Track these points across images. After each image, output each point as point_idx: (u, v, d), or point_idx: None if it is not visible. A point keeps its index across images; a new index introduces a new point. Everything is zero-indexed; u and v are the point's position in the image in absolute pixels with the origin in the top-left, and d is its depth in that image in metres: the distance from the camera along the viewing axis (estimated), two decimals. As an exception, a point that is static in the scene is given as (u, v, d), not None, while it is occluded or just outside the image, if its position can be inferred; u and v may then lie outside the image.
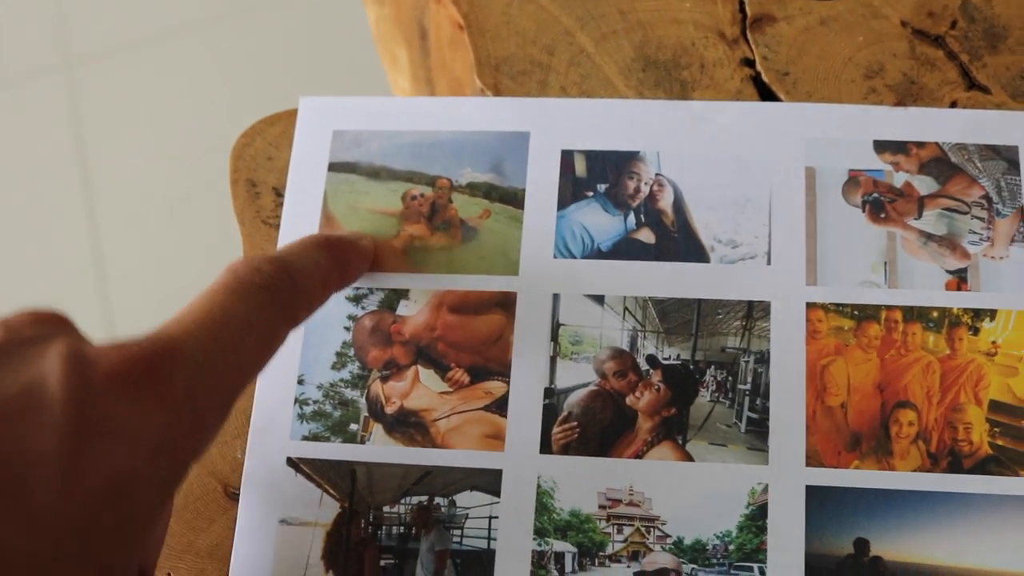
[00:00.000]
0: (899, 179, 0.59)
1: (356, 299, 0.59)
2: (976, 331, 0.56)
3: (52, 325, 0.41)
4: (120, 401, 0.38)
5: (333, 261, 0.53)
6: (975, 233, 0.57)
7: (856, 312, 0.57)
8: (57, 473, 0.36)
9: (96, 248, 1.21)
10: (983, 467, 0.54)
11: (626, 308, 0.58)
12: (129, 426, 0.38)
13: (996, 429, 0.54)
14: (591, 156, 0.60)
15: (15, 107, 1.28)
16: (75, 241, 1.23)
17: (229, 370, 0.43)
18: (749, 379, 0.56)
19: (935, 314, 0.56)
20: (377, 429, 0.57)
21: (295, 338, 0.59)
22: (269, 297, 0.46)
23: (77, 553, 0.36)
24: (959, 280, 0.57)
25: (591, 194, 0.60)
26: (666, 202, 0.59)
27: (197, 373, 0.41)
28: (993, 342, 0.56)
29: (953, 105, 0.60)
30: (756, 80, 0.62)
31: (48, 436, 0.36)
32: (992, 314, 0.56)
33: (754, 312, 0.57)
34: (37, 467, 0.36)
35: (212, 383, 0.42)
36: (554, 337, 0.58)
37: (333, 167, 0.62)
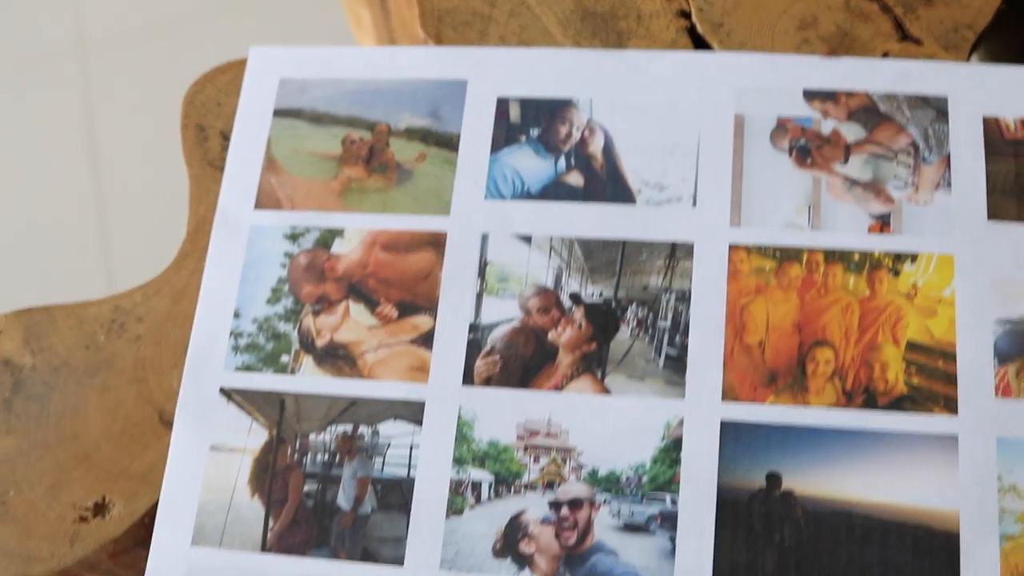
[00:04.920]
0: (827, 126, 0.59)
1: (293, 237, 0.61)
2: (897, 273, 0.56)
3: None
4: None
5: None
6: (900, 179, 0.58)
7: (778, 253, 0.57)
8: None
9: (105, 243, 1.25)
10: (898, 405, 0.54)
11: (552, 248, 0.59)
12: None
13: (912, 368, 0.55)
14: (525, 103, 0.62)
15: (29, 91, 1.32)
16: (85, 228, 1.26)
17: None
18: (669, 316, 0.57)
19: (857, 256, 0.57)
20: (307, 361, 0.59)
21: (232, 274, 0.61)
22: None
23: None
24: (882, 224, 0.57)
25: (524, 139, 0.61)
26: (596, 147, 0.60)
27: None
28: (913, 284, 0.56)
29: (885, 56, 0.61)
30: (691, 31, 0.63)
31: None
32: (913, 257, 0.56)
33: (677, 253, 0.58)
34: None
35: None
36: (481, 275, 0.59)
37: (278, 113, 0.64)
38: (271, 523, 0.56)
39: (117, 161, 1.27)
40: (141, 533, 0.59)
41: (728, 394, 0.55)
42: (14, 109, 1.34)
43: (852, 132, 0.59)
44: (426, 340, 0.58)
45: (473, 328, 0.58)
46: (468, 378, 0.57)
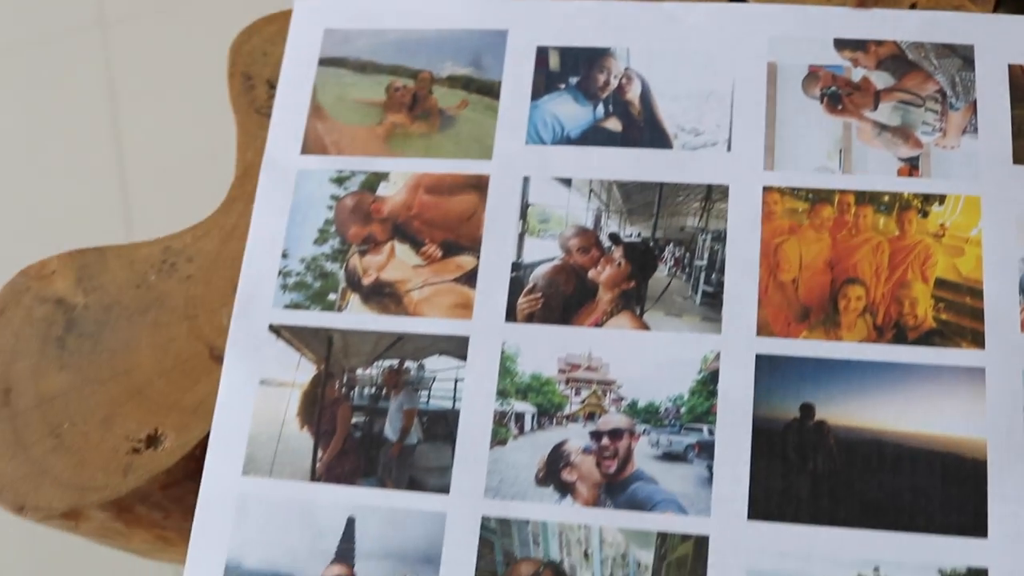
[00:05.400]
0: (857, 74, 0.61)
1: (339, 180, 0.63)
2: (925, 214, 0.58)
3: None
4: None
5: None
6: (928, 124, 0.60)
7: (810, 195, 0.59)
8: None
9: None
10: (927, 339, 0.56)
11: (592, 190, 0.61)
12: None
13: (941, 304, 0.57)
14: (565, 52, 0.64)
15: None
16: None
17: None
18: (706, 256, 0.59)
19: (886, 198, 0.59)
20: (354, 299, 0.61)
21: (280, 216, 0.63)
22: None
23: None
24: (911, 167, 0.59)
25: (563, 86, 0.63)
26: (633, 94, 0.62)
27: None
28: (941, 224, 0.58)
29: (912, 7, 0.63)
30: (725, -16, 0.65)
31: None
32: (941, 199, 0.58)
33: (713, 195, 0.60)
34: None
35: None
36: (523, 216, 0.61)
37: (323, 62, 0.66)
38: (320, 453, 0.58)
39: (160, 116, 1.28)
40: (192, 466, 0.61)
41: (763, 329, 0.57)
42: (57, 55, 1.34)
43: (881, 80, 0.61)
44: (469, 278, 0.60)
45: (515, 267, 0.60)
46: (511, 315, 0.59)
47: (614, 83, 0.63)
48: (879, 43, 0.61)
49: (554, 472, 0.57)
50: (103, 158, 1.27)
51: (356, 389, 0.59)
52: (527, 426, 0.58)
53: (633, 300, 0.59)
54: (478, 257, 0.60)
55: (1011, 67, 0.60)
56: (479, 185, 0.62)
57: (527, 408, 0.58)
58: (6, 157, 1.29)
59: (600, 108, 0.62)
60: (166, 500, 0.62)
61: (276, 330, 0.61)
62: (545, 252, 0.60)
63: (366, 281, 0.61)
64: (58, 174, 1.27)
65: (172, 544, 0.69)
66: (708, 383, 0.57)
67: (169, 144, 1.23)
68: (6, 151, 1.30)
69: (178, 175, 1.18)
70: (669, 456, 0.56)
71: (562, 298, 0.59)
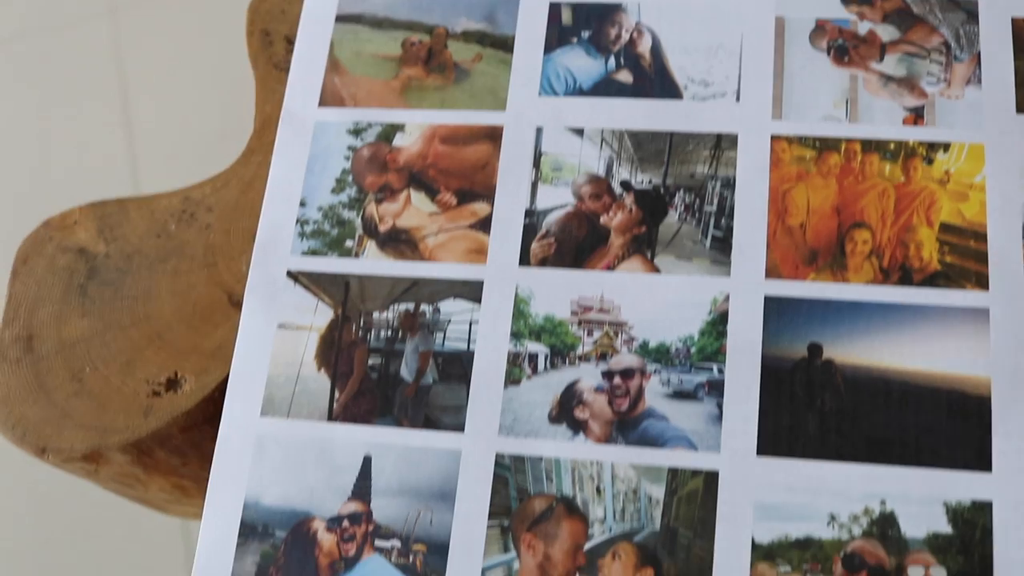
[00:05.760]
0: (863, 28, 0.63)
1: (356, 132, 0.64)
2: (930, 161, 0.60)
3: None
4: None
5: None
6: (932, 75, 0.61)
7: (818, 143, 0.61)
8: None
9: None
10: (932, 281, 0.57)
11: (603, 139, 0.62)
12: None
13: (946, 247, 0.58)
14: (577, 7, 0.65)
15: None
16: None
17: None
18: (715, 201, 0.60)
19: (892, 146, 0.60)
20: (370, 245, 0.62)
21: (298, 166, 0.64)
22: None
23: None
24: (916, 116, 0.61)
25: (575, 40, 0.64)
26: (644, 47, 0.64)
27: None
28: (946, 171, 0.59)
29: (917, -36, 0.64)
30: (734, -57, 0.66)
31: None
32: (946, 147, 0.60)
33: (723, 143, 0.61)
34: None
35: None
36: (536, 164, 0.62)
37: (340, 18, 0.67)
38: (337, 394, 0.60)
39: (177, 74, 1.29)
40: (211, 410, 0.62)
41: (771, 272, 0.58)
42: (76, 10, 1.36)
43: (887, 33, 0.62)
44: (484, 225, 0.61)
45: (529, 213, 0.61)
46: (524, 259, 0.60)
47: (625, 37, 0.64)
48: (884, -2, 0.63)
49: (567, 410, 0.58)
50: (121, 116, 1.29)
51: (372, 332, 0.61)
52: (540, 366, 0.59)
53: (644, 244, 0.60)
54: (492, 204, 0.62)
55: (1014, 20, 0.62)
56: (493, 135, 0.63)
57: (540, 349, 0.59)
58: (29, 114, 1.31)
59: (612, 61, 0.64)
60: (185, 444, 0.64)
61: (294, 276, 0.62)
62: (558, 199, 0.61)
63: (382, 228, 0.62)
64: (78, 132, 1.28)
65: (189, 495, 0.70)
66: (718, 324, 0.58)
67: (184, 102, 1.24)
68: (27, 107, 1.31)
69: (194, 133, 1.20)
70: (680, 394, 0.57)
71: (575, 243, 0.60)
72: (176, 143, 1.22)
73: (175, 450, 0.64)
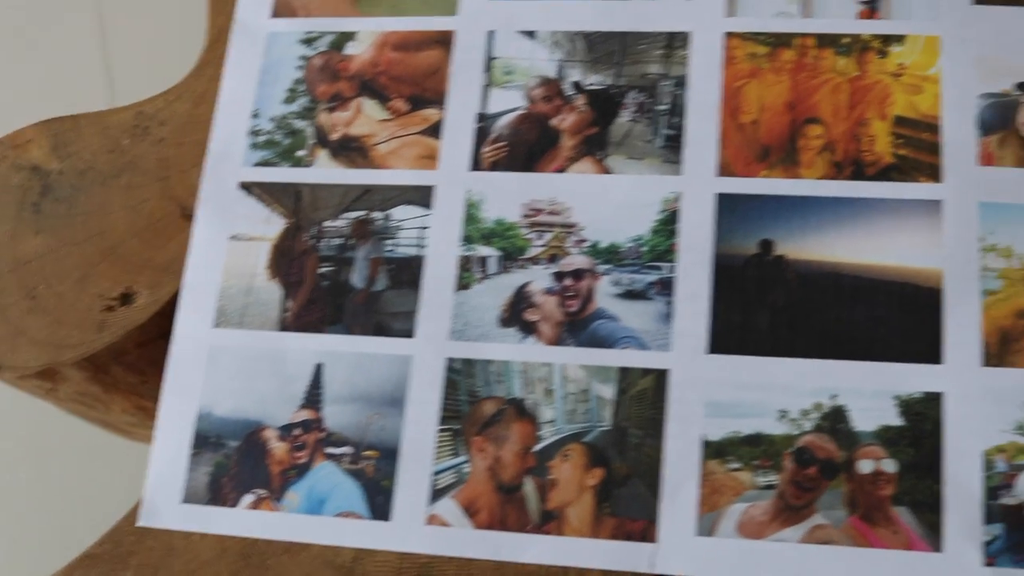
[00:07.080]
0: (818, -77, 0.61)
1: (308, 41, 0.64)
2: (884, 55, 0.59)
3: None
4: None
5: None
6: (888, -31, 0.60)
7: (771, 39, 0.60)
8: None
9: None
10: (885, 174, 0.57)
11: (555, 41, 0.61)
12: None
13: (899, 141, 0.57)
14: (529, -90, 0.64)
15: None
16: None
17: None
18: (667, 100, 0.59)
19: (846, 40, 0.59)
20: (322, 154, 0.62)
21: (250, 77, 0.63)
22: None
23: None
24: (871, 10, 0.60)
25: (527, -57, 0.63)
26: (596, -52, 0.63)
27: None
28: (900, 64, 0.58)
29: None
30: None
31: None
32: (900, 39, 0.59)
33: (675, 42, 0.60)
34: None
35: None
36: (487, 68, 0.61)
37: (291, -71, 0.66)
38: (288, 303, 0.59)
39: None
40: (166, 325, 0.62)
41: (724, 170, 0.58)
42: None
43: (842, -73, 0.61)
44: (435, 130, 0.61)
45: (480, 118, 0.61)
46: (476, 164, 0.60)
47: (577, -61, 0.63)
48: None
49: (517, 313, 0.57)
50: (81, 29, 1.27)
51: (324, 240, 0.60)
52: (491, 269, 0.58)
53: (595, 146, 0.59)
54: (443, 109, 0.61)
55: (971, -90, 0.60)
56: (444, 41, 0.62)
57: (491, 252, 0.59)
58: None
59: (563, -37, 0.63)
60: (142, 361, 0.64)
61: (247, 187, 0.62)
62: (509, 103, 0.61)
63: (334, 136, 0.62)
64: (38, 46, 1.27)
65: (151, 416, 0.70)
66: (668, 223, 0.57)
67: (142, 16, 1.22)
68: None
69: (151, 47, 1.18)
70: (630, 294, 0.57)
71: (526, 146, 0.60)
72: (136, 58, 1.20)
73: (132, 367, 0.63)
